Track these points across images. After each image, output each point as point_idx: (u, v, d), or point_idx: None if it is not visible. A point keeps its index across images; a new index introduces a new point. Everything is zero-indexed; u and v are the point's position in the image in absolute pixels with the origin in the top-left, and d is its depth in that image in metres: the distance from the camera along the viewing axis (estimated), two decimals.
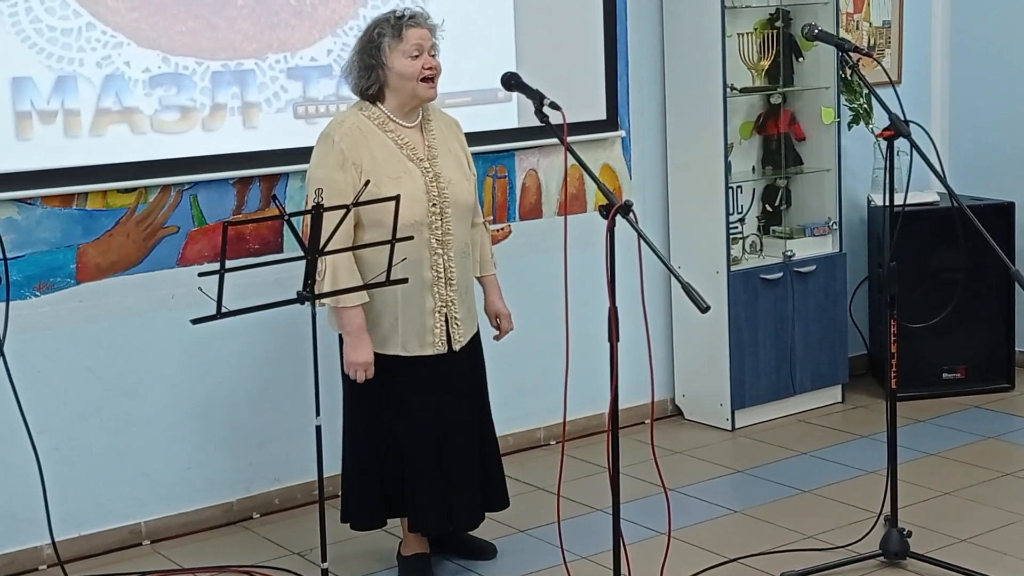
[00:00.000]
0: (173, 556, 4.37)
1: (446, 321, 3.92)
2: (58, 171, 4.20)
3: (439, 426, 3.96)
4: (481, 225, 4.15)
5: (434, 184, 3.87)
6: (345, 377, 3.94)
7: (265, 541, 4.47)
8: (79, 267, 4.30)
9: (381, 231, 3.72)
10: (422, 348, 3.90)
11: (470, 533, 4.24)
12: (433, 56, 3.87)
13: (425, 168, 3.88)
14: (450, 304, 3.92)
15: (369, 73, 3.86)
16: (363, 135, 3.84)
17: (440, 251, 3.89)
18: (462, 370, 4.00)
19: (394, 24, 3.83)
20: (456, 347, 3.95)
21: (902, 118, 3.84)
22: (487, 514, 4.14)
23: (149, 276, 4.41)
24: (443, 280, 3.90)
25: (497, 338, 4.18)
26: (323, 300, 3.71)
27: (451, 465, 3.98)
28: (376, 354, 3.87)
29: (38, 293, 4.23)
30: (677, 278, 3.19)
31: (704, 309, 3.13)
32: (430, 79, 3.85)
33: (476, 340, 4.07)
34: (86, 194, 4.28)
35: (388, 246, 3.62)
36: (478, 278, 4.14)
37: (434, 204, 3.86)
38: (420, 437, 3.94)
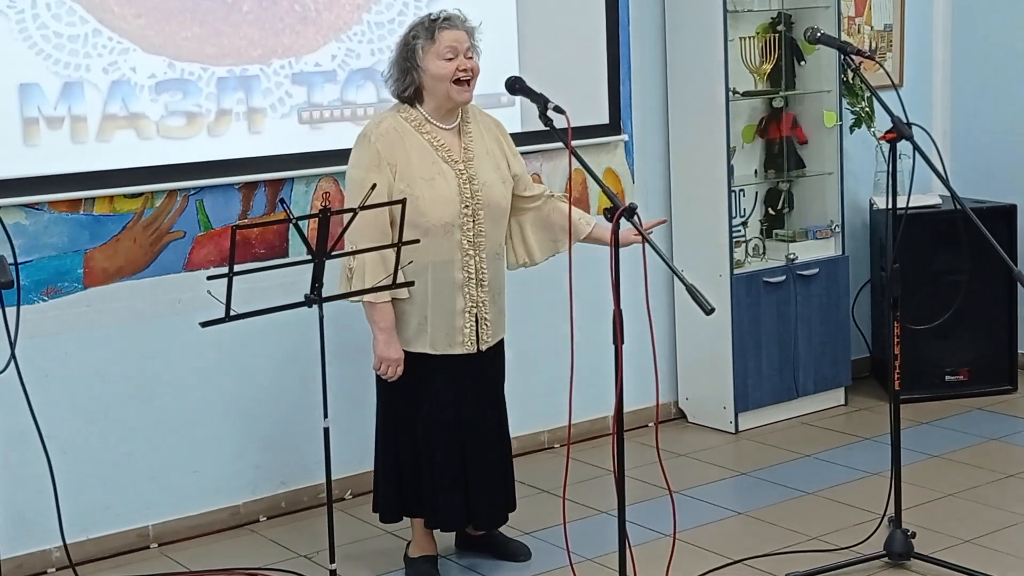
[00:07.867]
0: (180, 559, 4.39)
1: (476, 321, 3.94)
2: (65, 176, 4.22)
3: (461, 424, 3.99)
4: (544, 198, 4.11)
5: (467, 186, 3.89)
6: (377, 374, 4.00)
7: (272, 544, 4.49)
8: (86, 272, 4.32)
9: (414, 231, 3.76)
10: (451, 347, 3.93)
11: (504, 534, 4.27)
12: (470, 58, 3.88)
13: (459, 170, 3.90)
14: (481, 305, 3.94)
15: (405, 76, 3.88)
16: (399, 136, 3.87)
17: (472, 252, 3.91)
18: (485, 371, 4.03)
19: (428, 26, 3.85)
20: (484, 347, 3.98)
21: (904, 121, 3.85)
22: None
23: (156, 281, 4.43)
24: (474, 281, 3.92)
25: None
26: (352, 299, 3.74)
27: (471, 464, 4.01)
28: (404, 351, 3.91)
29: (46, 298, 4.25)
30: (682, 281, 3.19)
31: (709, 311, 3.14)
32: (464, 81, 3.86)
33: (501, 344, 4.09)
34: (93, 199, 4.30)
35: (416, 245, 3.68)
36: (583, 240, 4.08)
37: (466, 206, 3.88)
38: (442, 434, 3.97)
